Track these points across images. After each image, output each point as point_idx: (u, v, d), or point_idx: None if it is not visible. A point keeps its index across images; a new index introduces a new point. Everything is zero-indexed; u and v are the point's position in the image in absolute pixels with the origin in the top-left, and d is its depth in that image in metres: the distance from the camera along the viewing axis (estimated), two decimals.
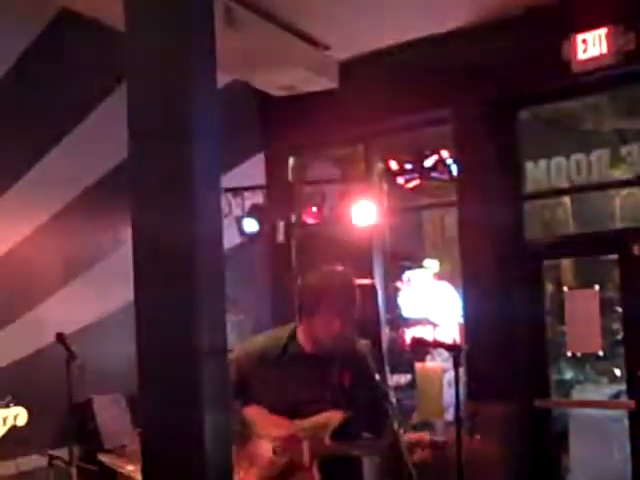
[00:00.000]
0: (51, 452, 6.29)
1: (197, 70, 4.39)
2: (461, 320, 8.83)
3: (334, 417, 4.75)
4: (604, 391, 8.88)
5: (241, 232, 8.63)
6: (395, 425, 4.37)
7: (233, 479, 4.20)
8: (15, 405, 5.58)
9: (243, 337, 6.45)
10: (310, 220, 8.81)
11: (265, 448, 4.81)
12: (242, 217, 8.61)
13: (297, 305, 4.87)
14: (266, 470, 4.81)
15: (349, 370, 4.76)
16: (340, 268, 4.95)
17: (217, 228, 4.40)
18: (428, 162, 8.41)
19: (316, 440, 4.74)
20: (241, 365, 4.86)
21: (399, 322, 9.47)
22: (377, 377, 4.54)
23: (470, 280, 8.65)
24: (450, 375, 8.47)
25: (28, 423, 5.67)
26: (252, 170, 9.80)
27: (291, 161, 10.35)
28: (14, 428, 5.59)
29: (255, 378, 4.85)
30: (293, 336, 4.88)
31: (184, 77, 4.31)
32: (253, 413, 4.88)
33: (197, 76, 4.39)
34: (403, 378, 9.36)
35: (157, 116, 4.33)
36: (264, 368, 4.83)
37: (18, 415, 5.55)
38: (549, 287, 8.92)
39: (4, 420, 5.46)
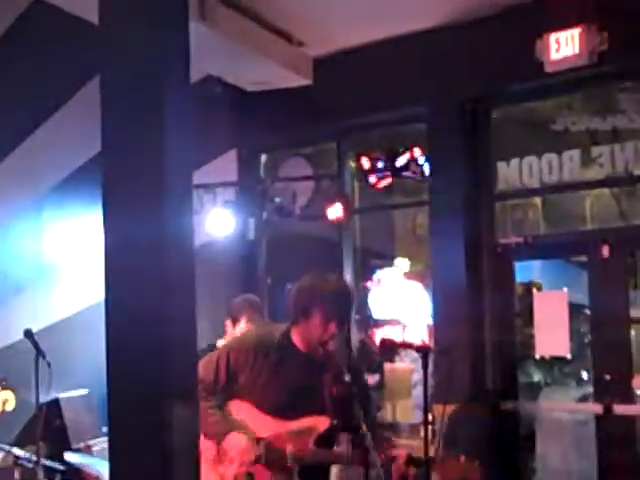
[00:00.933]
0: (17, 451, 6.22)
1: (170, 65, 4.37)
2: (430, 321, 8.81)
3: (320, 423, 4.78)
4: (572, 394, 8.90)
5: (212, 229, 8.59)
6: (363, 427, 4.37)
7: (199, 473, 4.21)
8: (3, 389, 5.29)
9: None
10: (281, 217, 8.77)
11: (248, 445, 4.80)
12: (213, 214, 8.56)
13: (291, 307, 4.91)
14: (247, 467, 4.80)
15: (333, 374, 4.76)
16: (336, 275, 5.05)
17: (188, 225, 4.37)
18: (400, 161, 8.37)
19: (300, 443, 4.74)
20: (232, 359, 4.90)
21: (369, 322, 9.45)
22: (347, 377, 4.55)
23: (440, 280, 8.63)
24: (419, 376, 8.46)
25: None
26: (224, 166, 9.75)
27: (263, 158, 10.32)
28: None
29: (246, 374, 4.87)
30: (287, 335, 4.89)
31: (157, 71, 4.29)
32: (239, 409, 4.88)
33: (170, 71, 4.36)
34: (371, 379, 9.34)
35: (129, 111, 4.30)
36: (256, 364, 4.84)
37: (7, 401, 5.29)
38: (519, 288, 8.91)
39: None
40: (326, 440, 4.83)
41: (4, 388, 5.26)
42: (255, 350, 4.90)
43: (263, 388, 4.84)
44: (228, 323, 7.12)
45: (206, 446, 4.77)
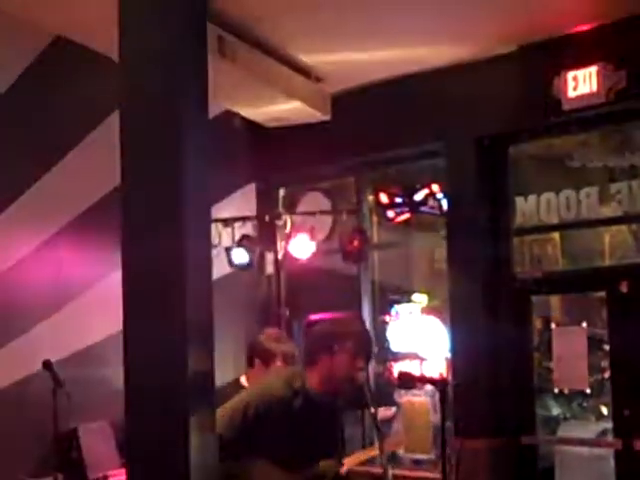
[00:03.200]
0: None
1: (189, 101, 4.42)
2: (449, 355, 8.80)
3: (330, 467, 4.79)
4: (591, 428, 8.86)
5: (230, 263, 8.63)
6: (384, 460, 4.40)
7: None
8: None
9: None
10: (299, 252, 8.81)
11: None
12: (232, 247, 8.60)
13: (312, 347, 4.85)
14: None
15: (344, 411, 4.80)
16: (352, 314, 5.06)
17: (206, 258, 4.41)
18: (418, 196, 8.42)
19: None
20: (252, 411, 4.67)
21: (387, 356, 9.44)
22: (372, 409, 4.58)
23: (458, 315, 8.63)
24: (437, 410, 8.45)
25: (13, 451, 5.58)
26: (243, 201, 9.80)
27: (282, 192, 10.38)
28: None
29: (265, 426, 4.66)
30: (304, 382, 4.80)
31: (175, 107, 4.34)
32: (255, 463, 4.81)
33: (189, 107, 4.42)
34: (389, 412, 9.32)
35: (148, 145, 4.36)
36: (277, 417, 4.71)
37: None
38: (537, 323, 8.91)
39: None
40: None
41: None
42: (278, 404, 4.78)
43: (281, 445, 4.75)
44: (257, 362, 6.02)
45: None
